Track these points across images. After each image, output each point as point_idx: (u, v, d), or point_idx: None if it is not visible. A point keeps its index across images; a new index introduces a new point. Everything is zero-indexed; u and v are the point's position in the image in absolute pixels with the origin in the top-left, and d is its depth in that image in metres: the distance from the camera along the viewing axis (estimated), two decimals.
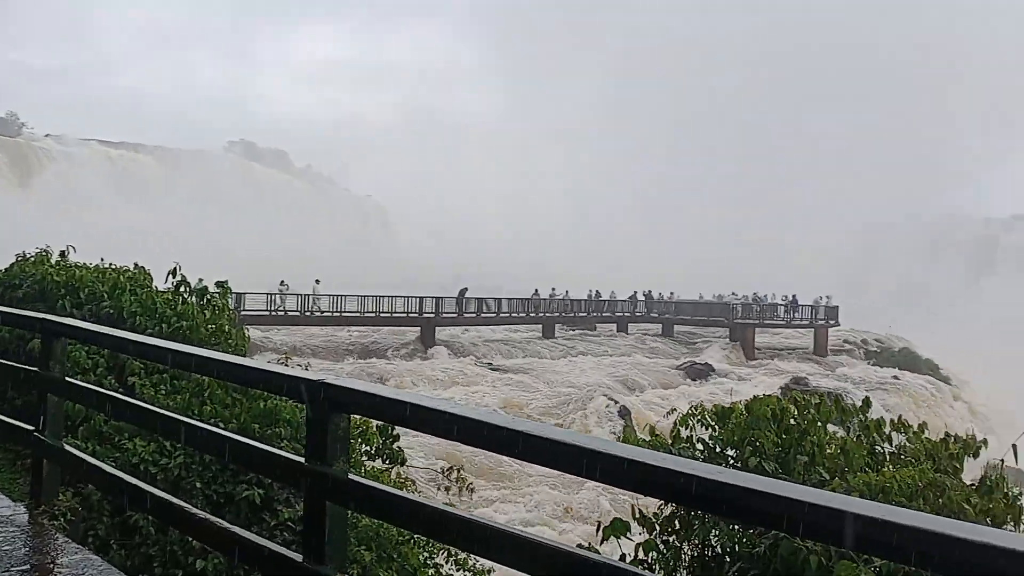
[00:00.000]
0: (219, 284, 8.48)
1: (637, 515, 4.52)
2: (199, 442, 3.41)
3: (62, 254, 8.42)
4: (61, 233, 11.66)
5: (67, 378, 4.31)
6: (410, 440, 21.01)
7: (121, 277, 7.87)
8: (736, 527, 4.14)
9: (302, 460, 2.57)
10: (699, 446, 4.81)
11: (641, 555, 4.36)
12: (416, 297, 42.20)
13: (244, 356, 7.22)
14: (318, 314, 40.22)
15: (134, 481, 3.59)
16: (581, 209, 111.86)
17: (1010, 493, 4.20)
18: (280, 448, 3.98)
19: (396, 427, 7.05)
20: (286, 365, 6.99)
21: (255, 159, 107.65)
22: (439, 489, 9.67)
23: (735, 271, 70.08)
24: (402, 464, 7.61)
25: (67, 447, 4.33)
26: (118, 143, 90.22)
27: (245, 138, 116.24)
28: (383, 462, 7.30)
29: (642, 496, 2.19)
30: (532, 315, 47.85)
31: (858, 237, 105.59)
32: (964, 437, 4.78)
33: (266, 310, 38.41)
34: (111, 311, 7.35)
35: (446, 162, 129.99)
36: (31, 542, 3.76)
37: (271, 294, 39.28)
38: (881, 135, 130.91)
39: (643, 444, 4.76)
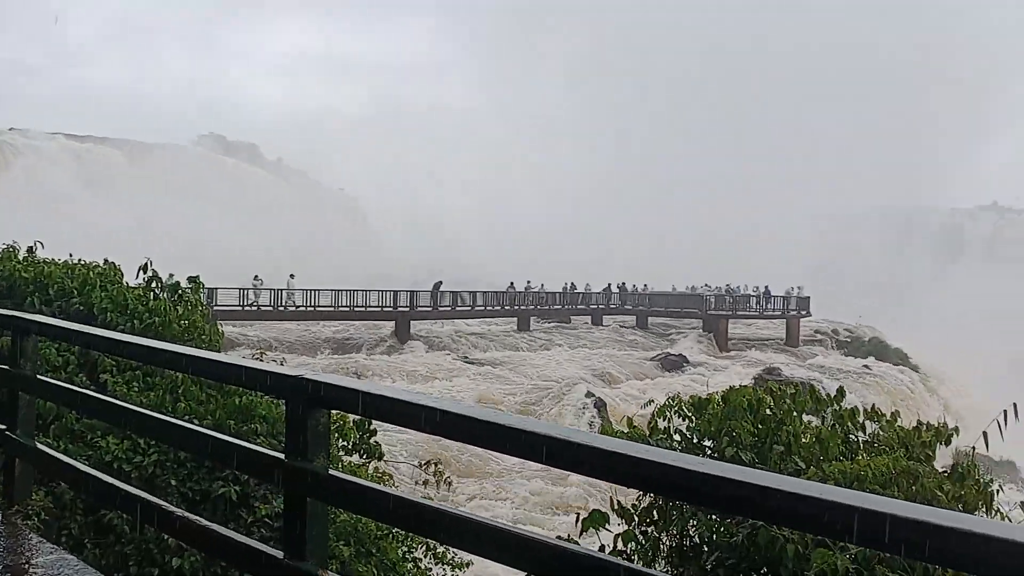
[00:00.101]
0: (191, 279, 8.38)
1: (616, 506, 4.55)
2: (176, 439, 3.37)
3: (30, 250, 8.27)
4: (28, 228, 11.44)
5: (39, 376, 4.24)
6: (395, 438, 21.00)
7: (91, 273, 7.74)
8: (714, 517, 4.18)
9: (282, 456, 2.55)
10: (676, 437, 4.85)
11: (620, 546, 4.39)
12: (391, 291, 42.06)
13: (219, 352, 7.15)
14: (292, 309, 39.93)
15: (109, 479, 3.54)
16: (556, 201, 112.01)
17: (981, 480, 4.28)
18: (256, 444, 3.95)
19: (373, 422, 7.02)
20: (261, 360, 6.93)
21: (225, 152, 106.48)
22: (416, 484, 9.65)
23: (708, 262, 70.63)
24: (379, 459, 7.58)
25: (39, 446, 4.26)
26: (85, 137, 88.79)
27: (215, 131, 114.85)
28: (360, 457, 7.27)
29: (623, 488, 2.20)
30: (507, 308, 47.88)
31: (828, 228, 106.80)
32: (936, 425, 4.87)
33: (239, 305, 38.08)
34: (81, 307, 7.24)
35: (420, 155, 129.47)
36: (5, 543, 3.70)
37: (244, 289, 38.94)
38: (851, 127, 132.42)
39: (621, 435, 4.79)
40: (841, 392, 5.16)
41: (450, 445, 21.16)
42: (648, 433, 4.86)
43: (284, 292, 40.02)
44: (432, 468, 9.51)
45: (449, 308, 45.03)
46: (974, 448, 4.05)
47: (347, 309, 41.18)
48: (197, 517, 3.09)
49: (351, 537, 5.86)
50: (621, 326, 51.03)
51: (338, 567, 5.45)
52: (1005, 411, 3.71)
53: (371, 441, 7.39)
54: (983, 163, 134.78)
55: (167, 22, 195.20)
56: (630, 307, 52.89)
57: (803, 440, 4.55)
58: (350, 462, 7.09)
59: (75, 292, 7.37)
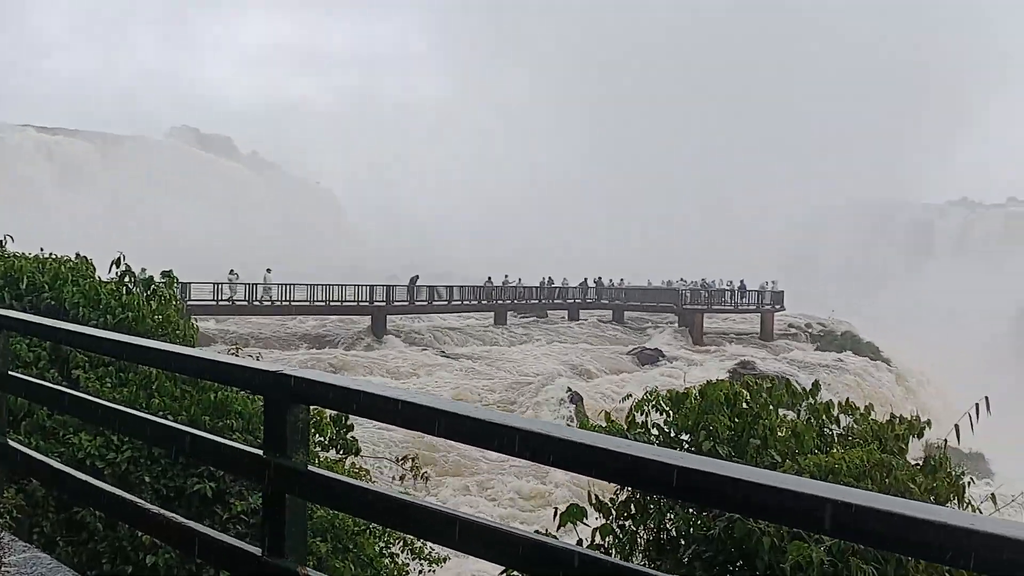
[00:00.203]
0: (165, 274, 8.28)
1: (594, 501, 4.57)
2: (151, 436, 3.33)
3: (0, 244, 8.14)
4: None
5: (9, 372, 4.17)
6: (379, 435, 20.86)
7: (62, 267, 7.63)
8: (691, 510, 4.21)
9: (260, 452, 2.53)
10: (654, 431, 4.88)
11: (598, 540, 4.41)
12: (367, 285, 41.88)
13: (194, 347, 7.08)
14: (267, 303, 39.63)
15: (83, 476, 3.50)
16: (533, 195, 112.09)
17: (953, 473, 4.35)
18: (233, 441, 3.92)
19: (350, 418, 6.99)
20: (237, 356, 6.87)
21: (199, 145, 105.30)
22: (394, 480, 9.63)
23: (683, 256, 71.07)
24: (356, 454, 7.56)
25: (11, 443, 4.20)
26: (55, 129, 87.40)
27: (188, 124, 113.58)
28: (337, 452, 7.24)
29: (600, 482, 2.21)
30: (484, 303, 47.87)
31: (802, 222, 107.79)
32: (909, 419, 4.93)
33: (214, 300, 37.73)
34: (52, 302, 7.13)
35: (395, 148, 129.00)
36: None
37: (219, 283, 38.57)
38: (825, 122, 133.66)
39: (599, 430, 4.81)
40: (816, 386, 5.22)
41: (437, 443, 21.12)
42: (626, 427, 4.88)
43: (260, 287, 39.69)
44: (409, 464, 9.51)
45: (426, 303, 44.94)
46: (946, 441, 4.12)
47: (323, 304, 40.96)
48: (173, 514, 3.06)
49: (328, 533, 5.83)
50: (598, 320, 51.21)
51: (315, 563, 5.42)
52: (977, 405, 3.77)
53: (348, 437, 7.36)
54: (954, 158, 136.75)
55: (137, 12, 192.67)
56: (606, 302, 53.10)
57: (779, 434, 4.60)
58: (326, 458, 7.06)
59: (46, 287, 7.26)
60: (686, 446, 4.73)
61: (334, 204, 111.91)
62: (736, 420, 4.62)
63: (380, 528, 6.43)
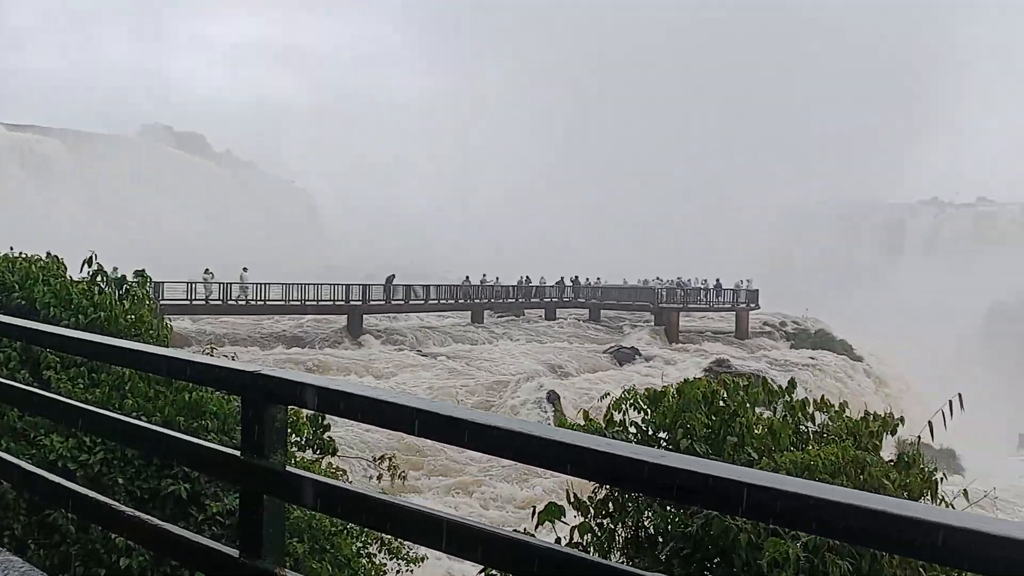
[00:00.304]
0: (137, 273, 8.20)
1: (572, 499, 4.57)
2: (125, 437, 3.29)
3: None
4: None
5: None
6: (362, 437, 20.70)
7: (33, 267, 7.52)
8: (669, 508, 4.23)
9: (237, 453, 2.51)
10: (632, 429, 4.90)
11: (576, 538, 4.42)
12: (343, 284, 41.65)
13: (167, 347, 7.00)
14: (242, 303, 39.28)
15: (55, 478, 3.44)
16: (510, 194, 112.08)
17: (926, 469, 4.41)
18: (207, 441, 3.88)
19: (327, 417, 6.96)
20: (212, 356, 6.81)
21: (172, 143, 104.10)
22: (379, 478, 9.61)
23: (659, 255, 71.47)
24: (333, 454, 7.52)
25: None
26: (25, 126, 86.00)
27: (160, 122, 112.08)
28: (314, 452, 7.20)
29: (579, 480, 2.21)
30: (461, 302, 47.80)
31: (776, 221, 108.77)
32: (883, 415, 4.99)
33: (187, 299, 37.33)
34: (23, 302, 7.03)
35: (372, 147, 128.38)
36: None
37: (192, 283, 38.18)
38: (798, 122, 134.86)
39: (577, 428, 4.82)
40: (792, 384, 5.26)
41: (425, 445, 21.02)
42: (604, 426, 4.90)
43: (236, 286, 39.34)
44: (386, 463, 9.49)
45: (402, 302, 44.78)
46: (919, 438, 4.17)
47: (298, 303, 40.69)
48: (147, 516, 3.02)
49: (305, 534, 5.80)
50: (575, 319, 51.35)
51: (292, 564, 5.39)
52: (951, 402, 3.83)
53: (324, 437, 7.33)
54: (925, 158, 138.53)
55: (108, 7, 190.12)
56: (583, 300, 53.22)
57: (756, 431, 4.63)
58: (303, 458, 7.02)
59: (16, 286, 7.16)
60: (664, 444, 4.75)
61: (309, 203, 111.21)
62: (713, 418, 4.65)
63: (357, 528, 6.41)
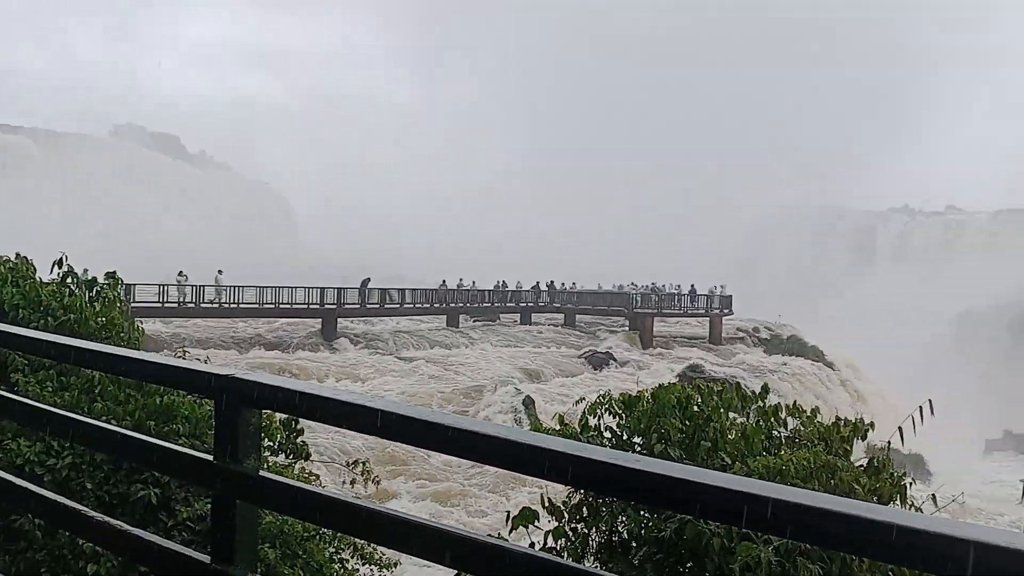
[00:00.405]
0: (109, 275, 8.09)
1: (546, 503, 4.58)
2: (95, 441, 3.24)
3: None
4: None
5: None
6: (345, 443, 20.48)
7: (1, 267, 7.40)
8: (643, 512, 4.25)
9: (210, 458, 2.48)
10: (607, 434, 4.91)
11: (550, 542, 4.42)
12: (317, 288, 41.38)
13: (139, 350, 6.92)
14: (215, 306, 38.89)
15: (22, 483, 3.38)
16: (486, 198, 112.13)
17: (895, 473, 4.47)
18: (179, 446, 3.84)
19: (300, 421, 6.91)
20: (184, 359, 6.74)
21: (145, 143, 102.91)
22: (343, 485, 9.55)
23: (633, 261, 71.85)
24: (306, 459, 7.47)
25: None
26: None
27: (134, 121, 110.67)
28: (287, 457, 7.14)
29: (553, 484, 2.21)
30: (436, 306, 47.71)
31: (751, 227, 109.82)
32: (853, 421, 5.05)
33: (159, 302, 36.89)
34: None
35: (347, 148, 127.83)
36: None
37: (165, 285, 37.71)
38: (773, 128, 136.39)
39: (553, 433, 4.82)
40: (765, 389, 5.31)
41: (414, 450, 20.87)
42: (579, 430, 4.91)
43: (211, 288, 38.95)
44: (360, 468, 9.43)
45: (377, 305, 44.59)
46: (889, 443, 4.23)
47: (272, 306, 40.37)
48: (117, 521, 2.98)
49: (276, 539, 5.75)
50: (550, 324, 51.44)
51: (263, 570, 5.34)
52: (920, 407, 3.88)
53: (298, 441, 7.27)
54: (896, 166, 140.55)
55: (81, 6, 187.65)
56: (558, 305, 53.34)
57: (729, 436, 4.67)
58: (275, 462, 6.96)
59: None
60: (639, 449, 4.77)
61: (284, 205, 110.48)
62: (687, 423, 4.68)
63: (330, 533, 6.37)
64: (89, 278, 7.81)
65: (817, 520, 1.57)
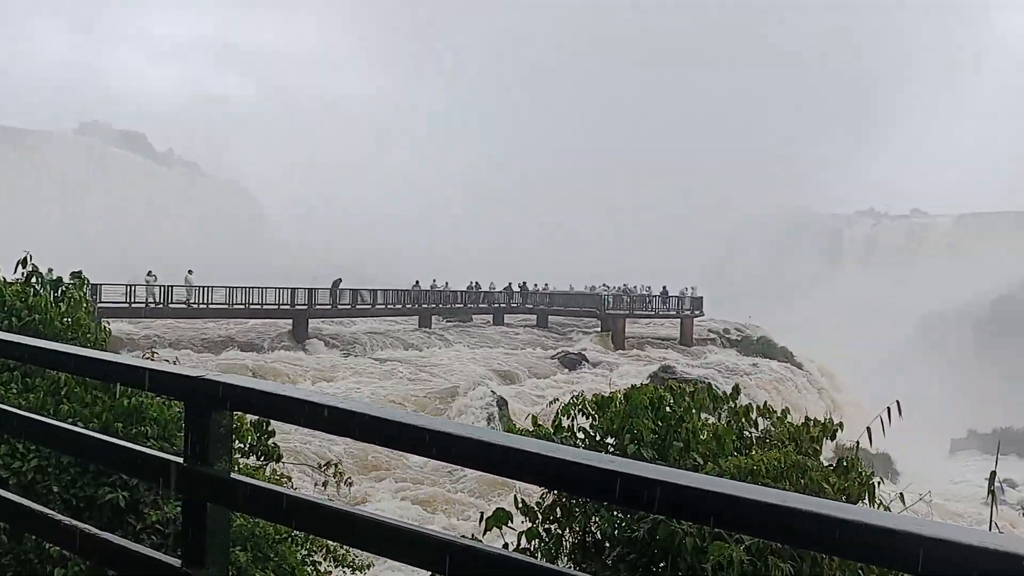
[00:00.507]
0: (74, 275, 7.98)
1: (520, 504, 4.58)
2: (62, 444, 3.19)
3: None
4: None
5: None
6: (336, 449, 20.22)
7: None
8: (616, 513, 4.27)
9: (180, 460, 2.45)
10: (580, 435, 4.93)
11: (524, 543, 4.43)
12: (288, 288, 41.04)
13: (106, 351, 6.82)
14: (183, 306, 38.41)
15: None
16: (459, 198, 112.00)
17: (864, 473, 4.53)
18: (148, 448, 3.79)
19: (272, 423, 6.85)
20: (152, 360, 6.65)
21: (111, 142, 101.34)
22: (315, 486, 9.49)
23: (605, 262, 72.21)
24: (277, 460, 7.41)
25: None
26: None
27: (99, 119, 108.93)
28: (258, 459, 7.08)
29: (527, 485, 2.21)
30: (408, 307, 47.54)
31: (720, 229, 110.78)
32: (823, 421, 5.12)
33: (126, 302, 36.35)
34: None
35: (317, 148, 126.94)
36: None
37: (132, 285, 37.17)
38: (745, 131, 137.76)
39: (526, 433, 4.83)
40: (736, 390, 5.36)
41: (398, 454, 20.69)
42: (553, 431, 4.92)
43: (182, 289, 38.46)
44: (332, 469, 9.38)
45: (349, 306, 44.31)
46: (858, 443, 4.29)
47: (242, 307, 39.96)
48: (84, 524, 2.93)
49: (248, 542, 5.69)
50: (522, 325, 51.48)
51: (235, 573, 5.29)
52: (888, 408, 3.95)
53: (269, 443, 7.22)
54: (863, 169, 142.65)
55: (43, 1, 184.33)
56: (531, 306, 53.40)
57: (701, 437, 4.71)
58: (246, 464, 6.90)
59: None
60: (611, 449, 4.79)
61: (254, 204, 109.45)
62: (660, 424, 4.71)
63: (302, 536, 6.32)
64: (54, 278, 7.70)
65: (788, 519, 1.59)
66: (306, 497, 2.39)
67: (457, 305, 50.88)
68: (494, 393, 31.04)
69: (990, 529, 3.72)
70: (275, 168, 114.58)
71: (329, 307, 42.87)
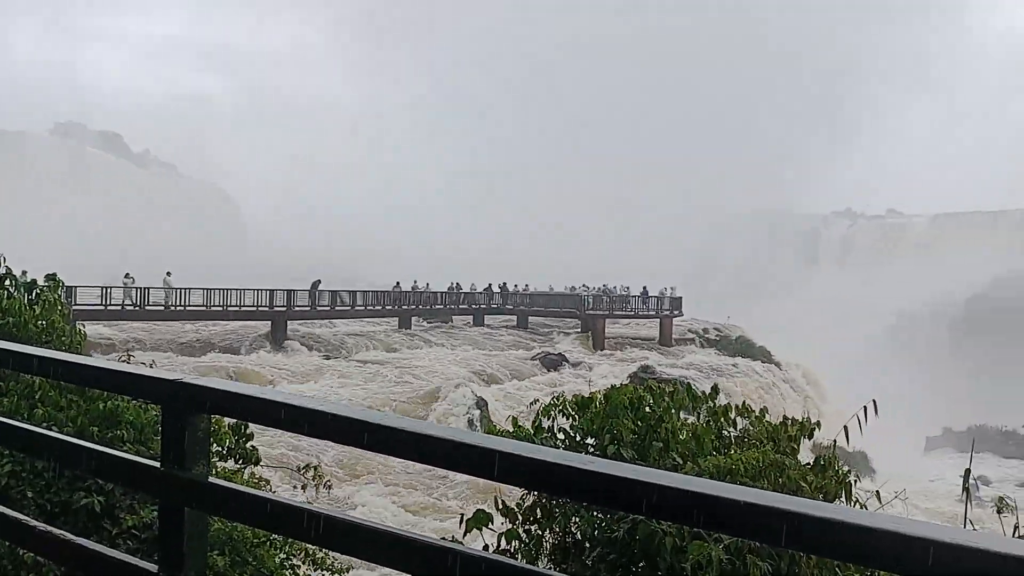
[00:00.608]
0: (49, 277, 7.89)
1: (500, 505, 4.58)
2: (36, 448, 3.15)
3: None
4: None
5: None
6: (327, 454, 19.98)
7: None
8: (596, 513, 4.28)
9: (157, 464, 2.43)
10: (560, 435, 4.94)
11: (504, 544, 4.43)
12: (266, 290, 40.74)
13: (81, 354, 6.75)
14: (160, 308, 38.02)
15: None
16: (439, 198, 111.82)
17: (841, 471, 4.57)
18: (124, 452, 3.75)
19: (250, 426, 6.81)
20: (128, 363, 6.59)
21: (87, 142, 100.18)
22: (294, 489, 9.43)
23: (585, 263, 72.39)
24: (256, 464, 7.36)
25: None
26: None
27: (74, 119, 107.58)
28: (236, 462, 7.03)
29: (507, 486, 2.21)
30: (388, 308, 47.37)
31: (698, 230, 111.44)
32: (800, 420, 5.16)
33: (102, 305, 35.92)
34: None
35: (296, 148, 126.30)
36: None
37: (108, 287, 36.73)
38: (723, 132, 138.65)
39: (506, 434, 4.83)
40: (715, 390, 5.40)
41: (384, 459, 20.56)
42: (533, 432, 4.93)
43: (159, 291, 38.06)
44: (312, 472, 9.34)
45: (328, 308, 44.07)
46: (835, 442, 4.33)
47: (220, 309, 39.61)
48: (59, 530, 2.90)
49: (226, 546, 5.64)
50: (502, 326, 51.47)
51: None
52: (865, 407, 3.99)
53: (247, 446, 7.17)
54: (840, 169, 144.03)
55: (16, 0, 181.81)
56: (511, 307, 53.41)
57: (680, 436, 4.73)
58: (224, 468, 6.85)
59: None
60: (591, 450, 4.80)
61: (233, 205, 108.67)
62: (640, 424, 4.73)
63: (281, 539, 6.28)
64: (28, 280, 7.61)
65: (766, 518, 1.60)
66: (284, 501, 2.37)
67: (437, 306, 50.79)
68: (475, 395, 31.00)
69: (964, 526, 3.77)
70: (253, 168, 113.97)
71: (308, 309, 42.63)
